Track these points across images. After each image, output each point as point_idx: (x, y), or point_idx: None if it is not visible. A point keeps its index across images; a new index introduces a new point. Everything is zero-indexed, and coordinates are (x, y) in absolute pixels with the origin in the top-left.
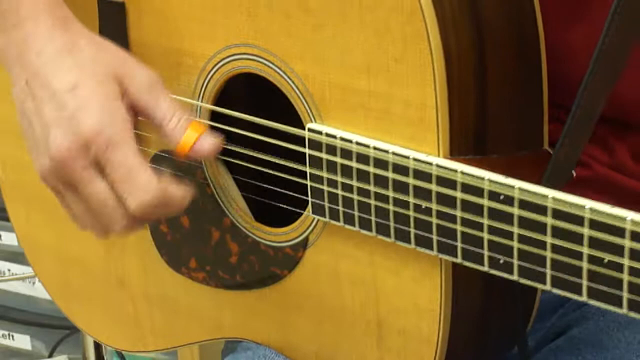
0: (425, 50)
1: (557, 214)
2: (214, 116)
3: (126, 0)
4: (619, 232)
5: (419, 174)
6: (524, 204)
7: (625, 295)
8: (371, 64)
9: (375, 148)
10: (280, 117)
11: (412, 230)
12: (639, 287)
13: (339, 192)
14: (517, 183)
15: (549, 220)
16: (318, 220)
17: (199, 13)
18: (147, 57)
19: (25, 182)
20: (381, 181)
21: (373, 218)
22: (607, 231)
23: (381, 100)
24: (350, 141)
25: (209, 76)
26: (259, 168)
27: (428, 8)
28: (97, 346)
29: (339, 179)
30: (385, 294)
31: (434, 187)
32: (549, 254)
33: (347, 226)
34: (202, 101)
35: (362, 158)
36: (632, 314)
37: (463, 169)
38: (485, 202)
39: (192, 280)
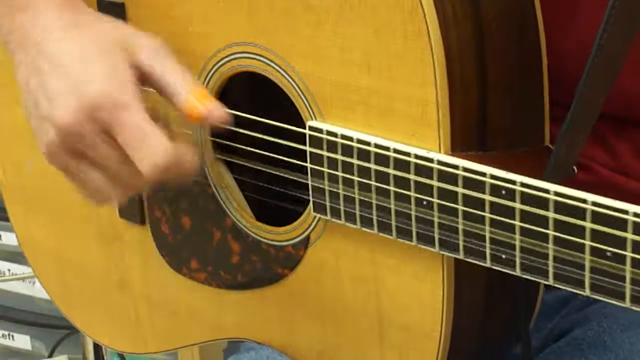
0: (426, 48)
1: (559, 208)
2: None
3: (126, 0)
4: (622, 225)
5: (420, 171)
6: (526, 199)
7: (628, 288)
8: (372, 61)
9: (376, 145)
10: (281, 116)
11: (414, 227)
12: None
13: (340, 190)
14: (519, 178)
15: (551, 214)
16: (319, 218)
17: (199, 12)
18: None
19: (25, 184)
20: (382, 178)
21: (374, 215)
22: (610, 224)
23: (382, 97)
24: (351, 138)
25: (210, 75)
26: (260, 167)
27: (428, 5)
28: (97, 346)
29: (340, 176)
30: (387, 292)
31: (435, 183)
32: (551, 248)
33: (348, 224)
34: None
35: (363, 155)
36: (635, 307)
37: (464, 165)
38: (487, 197)
39: (194, 281)
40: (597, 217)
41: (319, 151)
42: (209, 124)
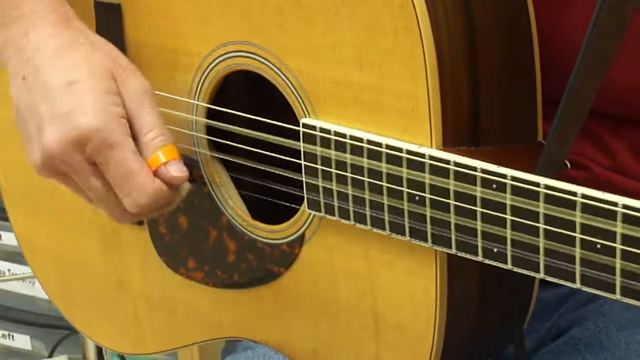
0: (416, 43)
1: (550, 201)
2: (210, 114)
3: (122, 1)
4: (611, 217)
5: (412, 166)
6: (517, 192)
7: (618, 280)
8: (363, 57)
9: (368, 141)
10: (276, 114)
11: (407, 222)
12: (631, 272)
13: (334, 186)
14: (510, 172)
15: (541, 207)
16: (314, 216)
17: (194, 12)
18: (143, 57)
19: (25, 185)
20: (375, 174)
21: (368, 211)
22: (600, 216)
23: (373, 93)
24: (344, 135)
25: (205, 74)
26: (255, 165)
27: (419, 0)
28: (98, 346)
29: (334, 172)
30: (381, 288)
31: (427, 178)
32: (542, 241)
33: (342, 220)
34: (198, 99)
35: (356, 151)
36: (626, 300)
37: (456, 160)
38: (478, 191)
39: (191, 281)
40: (587, 210)
41: (312, 148)
42: (166, 181)
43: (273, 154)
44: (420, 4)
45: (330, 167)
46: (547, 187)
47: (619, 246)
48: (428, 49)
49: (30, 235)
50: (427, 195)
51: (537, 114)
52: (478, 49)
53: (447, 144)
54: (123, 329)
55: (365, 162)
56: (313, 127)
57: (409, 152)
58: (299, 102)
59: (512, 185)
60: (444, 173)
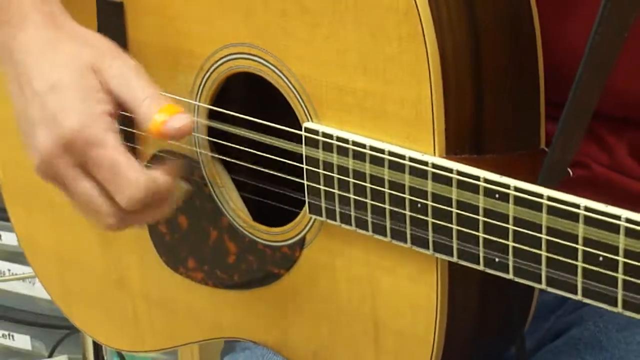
0: (420, 50)
1: (552, 212)
2: (212, 115)
3: (124, 0)
4: (614, 230)
5: (415, 173)
6: (519, 202)
7: (620, 293)
8: (367, 63)
9: (371, 147)
10: (277, 117)
11: (408, 230)
12: (633, 285)
13: (336, 191)
14: (513, 182)
15: (544, 219)
16: (315, 219)
17: (197, 12)
18: (145, 57)
19: (25, 183)
20: (377, 180)
21: (369, 217)
22: (602, 229)
23: (377, 99)
24: (346, 140)
25: (207, 75)
26: (257, 167)
27: (423, 7)
28: (97, 346)
29: (336, 177)
30: (382, 293)
31: (429, 186)
32: (544, 253)
33: (343, 225)
34: (199, 100)
35: (359, 157)
36: (627, 313)
37: (459, 168)
38: (481, 201)
39: (191, 280)
40: (589, 222)
41: (314, 152)
42: (172, 138)
43: (274, 157)
44: (425, 11)
45: (332, 172)
46: (550, 198)
47: (621, 259)
48: (432, 56)
49: (30, 235)
50: (429, 203)
51: (540, 122)
52: (482, 56)
53: (450, 151)
54: (122, 327)
55: (367, 168)
56: (315, 132)
57: (411, 159)
58: (301, 105)
59: (515, 196)
60: (446, 181)
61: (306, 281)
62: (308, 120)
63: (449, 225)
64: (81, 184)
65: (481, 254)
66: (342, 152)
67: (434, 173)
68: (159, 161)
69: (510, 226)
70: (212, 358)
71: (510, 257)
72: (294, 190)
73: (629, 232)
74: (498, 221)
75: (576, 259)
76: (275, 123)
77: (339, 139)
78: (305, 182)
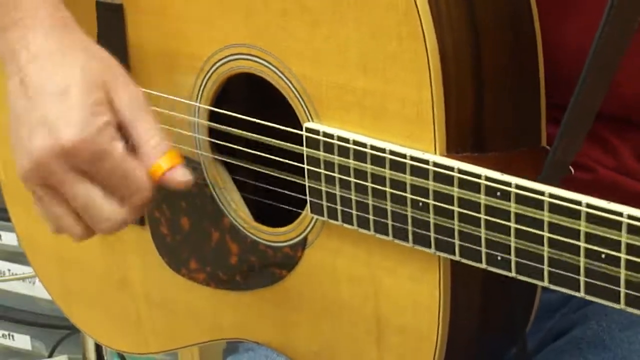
0: (421, 49)
1: (554, 210)
2: (212, 116)
3: (124, 1)
4: (616, 227)
5: (416, 172)
6: (521, 200)
7: (623, 290)
8: (367, 62)
9: (372, 147)
10: (278, 117)
11: (410, 228)
12: (636, 282)
13: (337, 191)
14: (514, 179)
15: (546, 216)
16: (317, 219)
17: (197, 13)
18: (145, 58)
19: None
20: (378, 179)
21: (371, 216)
22: (605, 226)
23: (377, 98)
24: (347, 140)
25: (207, 76)
26: (258, 168)
27: (423, 6)
28: (98, 346)
29: (337, 177)
30: (384, 293)
31: (431, 185)
32: (546, 250)
33: (345, 225)
34: (200, 101)
35: (360, 157)
36: (630, 309)
37: (460, 167)
38: (482, 199)
39: (193, 281)
40: (591, 219)
41: (315, 152)
42: (170, 187)
43: (275, 157)
44: (424, 11)
45: (334, 172)
46: (551, 195)
47: (623, 256)
48: (432, 55)
49: (31, 235)
50: (431, 202)
51: (540, 119)
52: (482, 54)
53: (451, 150)
54: (124, 329)
55: (368, 167)
56: (316, 132)
57: (412, 158)
58: (302, 105)
59: (517, 194)
60: (447, 180)
61: (308, 281)
62: (309, 120)
63: (451, 223)
64: (80, 188)
65: (483, 252)
66: (343, 151)
67: (435, 172)
68: None
69: (512, 224)
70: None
71: (513, 254)
72: (296, 191)
73: (631, 229)
74: (500, 219)
75: (578, 256)
76: (276, 123)
77: (339, 138)
78: (307, 182)
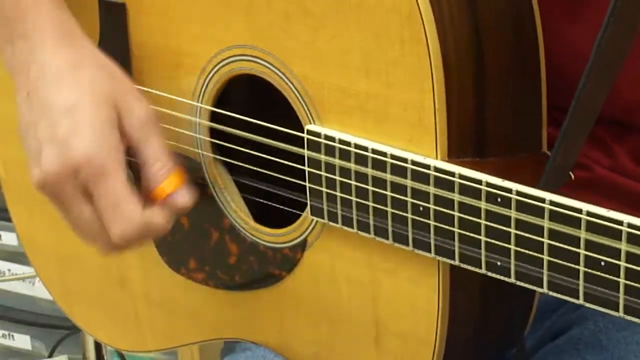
0: (423, 53)
1: (554, 217)
2: (214, 117)
3: (127, 1)
4: (616, 235)
5: (417, 176)
6: (521, 207)
7: (622, 298)
8: (369, 66)
9: (373, 150)
10: (279, 119)
11: (410, 232)
12: (635, 290)
13: (338, 193)
14: (515, 186)
15: (546, 223)
16: (317, 221)
17: (200, 14)
18: (148, 58)
19: (26, 182)
20: (379, 183)
21: (371, 220)
22: (604, 234)
23: (379, 102)
24: (348, 143)
25: (209, 77)
26: (259, 169)
27: (426, 10)
28: (98, 346)
29: (338, 180)
30: (383, 296)
31: (431, 190)
32: (545, 257)
33: (345, 228)
34: (202, 102)
35: (361, 160)
36: (628, 318)
37: (461, 172)
38: (483, 204)
39: (192, 281)
40: (591, 227)
41: (316, 155)
42: (172, 209)
43: (276, 159)
44: (427, 14)
45: (334, 175)
46: (552, 203)
47: (623, 264)
48: (435, 60)
49: (32, 234)
50: (431, 207)
51: (541, 125)
52: (484, 59)
53: (452, 154)
54: (124, 327)
55: (369, 171)
56: (318, 134)
57: (414, 162)
58: (303, 108)
59: (517, 200)
60: (448, 185)
61: (307, 283)
62: (310, 123)
63: (451, 228)
64: (84, 210)
65: (483, 258)
66: (344, 154)
67: (436, 176)
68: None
69: (512, 230)
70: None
71: (512, 261)
72: (296, 192)
73: (631, 238)
74: (500, 225)
75: (578, 264)
76: (278, 125)
77: (341, 141)
78: (307, 184)
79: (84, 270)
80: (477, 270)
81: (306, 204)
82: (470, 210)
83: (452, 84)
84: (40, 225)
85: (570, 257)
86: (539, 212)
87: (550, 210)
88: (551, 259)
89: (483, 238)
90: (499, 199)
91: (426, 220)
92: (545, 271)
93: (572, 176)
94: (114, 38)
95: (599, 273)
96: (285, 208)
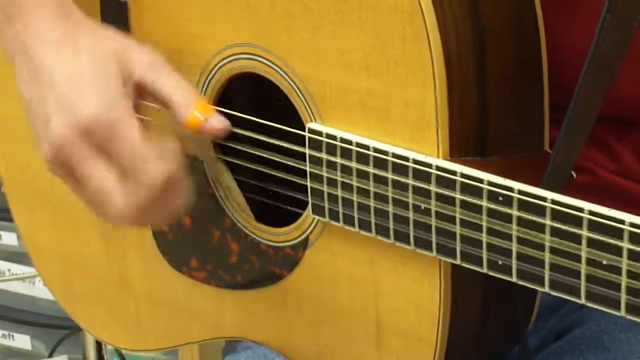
0: (425, 51)
1: (556, 216)
2: None
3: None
4: (618, 234)
5: (419, 175)
6: (523, 206)
7: (624, 297)
8: (371, 64)
9: (375, 149)
10: (281, 117)
11: (412, 231)
12: (637, 289)
13: (339, 192)
14: (517, 185)
15: (547, 222)
16: (318, 220)
17: (201, 12)
18: None
19: (28, 182)
20: (381, 182)
21: (372, 219)
22: (606, 233)
23: (381, 100)
24: (350, 142)
25: (211, 75)
26: (260, 168)
27: (428, 8)
28: (98, 346)
29: (339, 179)
30: (384, 295)
31: (433, 188)
32: (547, 256)
33: (346, 227)
34: None
35: (362, 159)
36: (630, 317)
37: (462, 171)
38: (485, 203)
39: (193, 280)
40: (593, 226)
41: (318, 154)
42: (210, 135)
43: (278, 158)
44: (429, 12)
45: (336, 173)
46: (554, 202)
47: (625, 262)
48: (436, 58)
49: (33, 232)
50: (433, 206)
51: (544, 124)
52: (487, 57)
53: (454, 153)
54: (125, 326)
55: (371, 169)
56: (319, 133)
57: (415, 161)
58: (305, 106)
59: (519, 199)
60: (450, 184)
61: (308, 282)
62: (312, 121)
63: (453, 227)
64: (96, 167)
65: (484, 257)
66: (346, 153)
67: (437, 175)
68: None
69: (514, 229)
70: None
71: (514, 260)
72: (297, 191)
73: (633, 237)
74: (502, 224)
75: (580, 263)
76: (279, 124)
77: (342, 140)
78: (309, 183)
79: (85, 269)
80: (478, 269)
81: (307, 202)
82: (472, 209)
83: (454, 82)
84: (42, 225)
85: (572, 256)
86: (540, 210)
87: (552, 209)
88: (553, 257)
89: (485, 237)
90: (500, 198)
91: (427, 219)
92: (547, 270)
93: (574, 175)
94: None
95: (600, 272)
96: (287, 207)
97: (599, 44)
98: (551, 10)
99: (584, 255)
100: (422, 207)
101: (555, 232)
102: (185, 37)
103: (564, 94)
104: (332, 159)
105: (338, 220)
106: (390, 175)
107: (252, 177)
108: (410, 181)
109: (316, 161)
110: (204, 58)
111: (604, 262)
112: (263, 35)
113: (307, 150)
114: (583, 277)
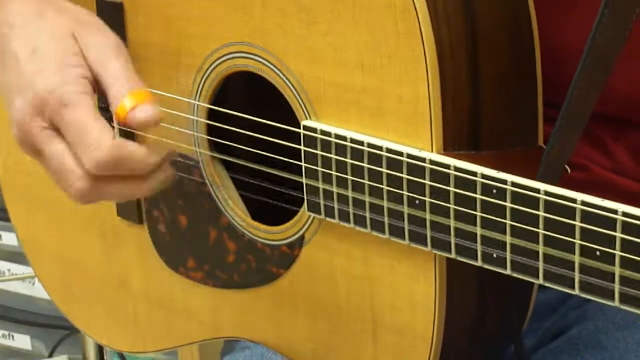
0: (418, 47)
1: (549, 207)
2: (211, 114)
3: (124, 0)
4: (611, 224)
5: (413, 170)
6: (517, 198)
7: (617, 287)
8: (365, 60)
9: (369, 145)
10: (277, 115)
11: (406, 226)
12: (630, 279)
13: (334, 188)
14: (510, 177)
15: (541, 214)
16: (314, 218)
17: (196, 12)
18: (145, 56)
19: (26, 183)
20: (375, 177)
21: (367, 214)
22: (599, 223)
23: (375, 96)
24: (344, 138)
25: (206, 75)
26: (256, 166)
27: (421, 4)
28: (98, 346)
29: (334, 175)
30: (380, 291)
31: (427, 182)
32: (541, 248)
33: (342, 223)
34: (199, 100)
35: (357, 155)
36: (624, 307)
37: (456, 164)
38: (478, 196)
39: (191, 280)
40: (586, 217)
41: (313, 150)
42: (136, 127)
43: (273, 156)
44: (422, 8)
45: (331, 170)
46: (547, 193)
47: (618, 253)
48: (429, 53)
49: (31, 233)
50: (427, 199)
51: (537, 118)
52: (480, 52)
53: (448, 147)
54: (123, 327)
55: (365, 165)
56: (314, 130)
57: (409, 156)
58: (300, 103)
59: (512, 191)
60: (444, 178)
61: (305, 280)
62: (306, 119)
63: (447, 221)
64: (54, 146)
65: (479, 250)
66: (341, 149)
67: (431, 169)
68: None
69: (508, 221)
70: (212, 358)
71: (508, 252)
72: (293, 189)
73: (626, 226)
74: (495, 216)
75: (573, 254)
76: (274, 121)
77: (337, 136)
78: (304, 180)
79: (83, 271)
80: (473, 262)
81: (303, 200)
82: (466, 202)
83: (447, 77)
84: (40, 227)
85: (566, 247)
86: (534, 202)
87: (545, 201)
88: (547, 249)
89: (479, 230)
90: (494, 191)
91: (422, 214)
92: (541, 262)
93: (569, 170)
94: None
95: (594, 262)
96: (283, 205)
97: (595, 38)
98: (546, 9)
99: (577, 245)
100: (417, 201)
101: (548, 223)
102: (181, 36)
103: (560, 92)
104: (327, 155)
105: (333, 217)
106: (384, 170)
107: (248, 176)
108: (405, 175)
109: (311, 158)
110: (200, 57)
111: (598, 253)
112: (258, 34)
113: (302, 147)
114: (577, 268)
